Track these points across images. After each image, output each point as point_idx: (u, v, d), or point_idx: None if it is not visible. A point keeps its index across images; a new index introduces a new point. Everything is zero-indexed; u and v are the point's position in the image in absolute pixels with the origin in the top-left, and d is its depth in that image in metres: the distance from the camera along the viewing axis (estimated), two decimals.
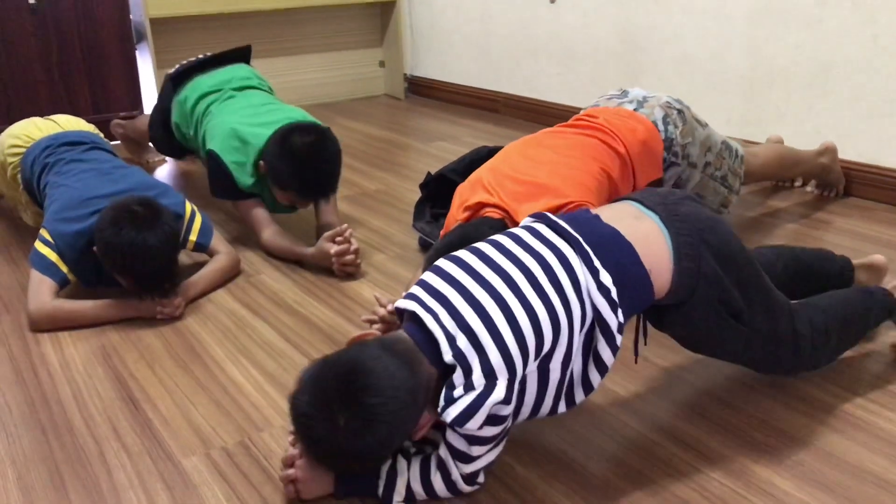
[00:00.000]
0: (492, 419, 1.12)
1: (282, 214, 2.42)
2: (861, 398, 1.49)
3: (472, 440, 1.15)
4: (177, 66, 2.71)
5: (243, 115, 2.34)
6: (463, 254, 1.23)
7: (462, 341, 1.11)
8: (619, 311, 1.19)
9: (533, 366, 1.15)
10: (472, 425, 1.10)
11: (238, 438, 1.43)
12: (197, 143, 2.50)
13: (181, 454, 1.39)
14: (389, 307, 1.67)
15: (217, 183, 2.31)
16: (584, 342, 1.20)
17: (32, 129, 2.28)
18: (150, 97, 3.71)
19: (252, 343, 1.78)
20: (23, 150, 2.24)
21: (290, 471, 1.24)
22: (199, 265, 2.09)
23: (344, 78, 4.42)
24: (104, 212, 1.83)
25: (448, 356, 1.11)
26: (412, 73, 4.48)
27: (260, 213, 2.29)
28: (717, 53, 2.89)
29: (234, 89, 2.51)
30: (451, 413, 1.10)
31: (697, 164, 2.06)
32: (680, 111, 2.04)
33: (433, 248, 1.68)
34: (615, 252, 1.22)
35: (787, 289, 1.48)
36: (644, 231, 1.26)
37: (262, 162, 2.20)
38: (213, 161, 2.28)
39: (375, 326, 1.70)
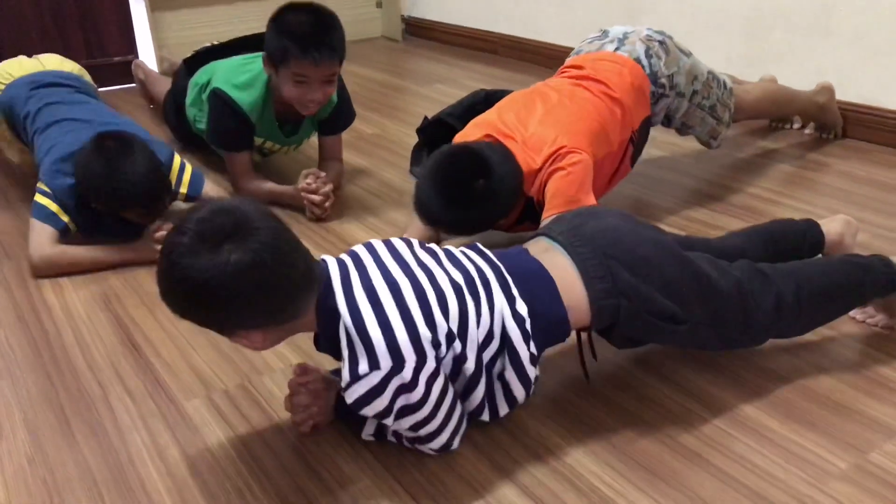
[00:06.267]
0: (402, 410, 1.12)
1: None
2: (858, 342, 1.52)
3: (410, 428, 1.17)
4: (194, 50, 2.64)
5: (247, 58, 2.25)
6: (396, 241, 1.25)
7: (371, 320, 1.08)
8: (532, 343, 1.19)
9: (447, 355, 1.13)
10: (377, 408, 1.10)
11: (238, 381, 1.46)
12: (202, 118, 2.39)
13: (183, 397, 1.43)
14: None
15: (219, 124, 2.20)
16: (487, 366, 1.19)
17: (15, 67, 2.28)
18: (143, 41, 3.67)
19: None
20: (2, 86, 2.24)
21: (299, 398, 1.27)
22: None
23: (340, 19, 4.34)
24: (78, 156, 1.85)
25: (342, 312, 1.09)
26: (410, 14, 4.41)
27: (245, 163, 2.25)
28: None
29: None
30: (355, 392, 1.09)
31: (685, 94, 2.06)
32: (661, 42, 2.03)
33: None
34: (535, 285, 1.22)
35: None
36: (555, 264, 1.25)
37: (264, 55, 2.07)
38: (217, 99, 2.17)
39: None
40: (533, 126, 1.78)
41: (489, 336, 1.17)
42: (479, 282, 1.19)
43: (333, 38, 2.05)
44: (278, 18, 2.05)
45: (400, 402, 1.11)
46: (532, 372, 1.22)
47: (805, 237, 1.56)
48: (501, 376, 1.21)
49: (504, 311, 1.18)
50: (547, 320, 1.21)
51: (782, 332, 1.41)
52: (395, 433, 1.25)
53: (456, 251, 1.28)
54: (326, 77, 2.06)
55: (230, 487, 1.21)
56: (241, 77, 2.17)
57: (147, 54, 3.55)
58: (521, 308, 1.19)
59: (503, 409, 1.25)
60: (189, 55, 2.64)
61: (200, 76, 2.40)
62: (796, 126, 2.67)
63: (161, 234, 1.88)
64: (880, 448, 1.23)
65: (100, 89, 2.44)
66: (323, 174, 2.16)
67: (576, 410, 1.35)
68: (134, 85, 3.21)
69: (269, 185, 2.24)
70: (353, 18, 4.38)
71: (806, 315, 1.39)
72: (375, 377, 1.08)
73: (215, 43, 2.67)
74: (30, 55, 2.40)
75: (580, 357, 1.37)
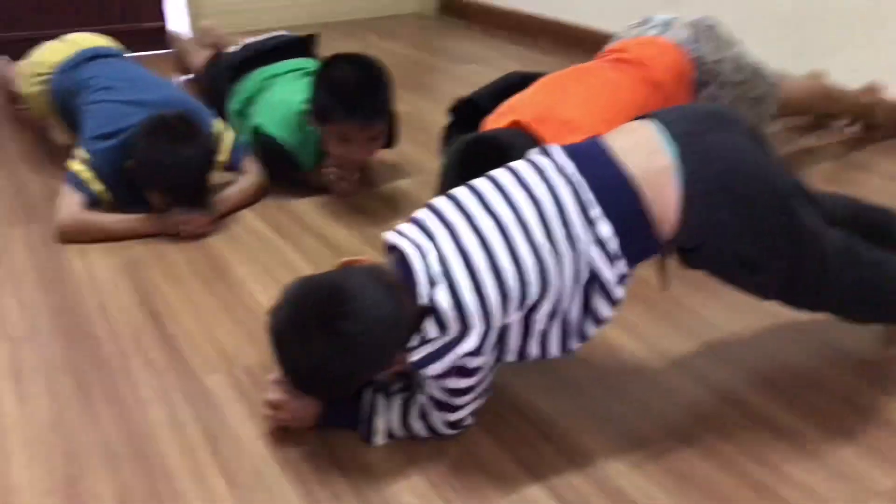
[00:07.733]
0: (460, 370, 1.12)
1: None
2: None
3: (453, 392, 1.15)
4: (236, 48, 2.51)
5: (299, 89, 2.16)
6: (460, 192, 1.18)
7: (442, 287, 1.08)
8: (620, 262, 1.14)
9: (515, 317, 1.13)
10: (436, 370, 1.10)
11: (260, 359, 1.44)
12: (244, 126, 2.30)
13: (204, 371, 1.41)
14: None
15: (266, 161, 2.15)
16: (583, 294, 1.16)
17: (50, 55, 2.27)
18: (174, 6, 3.64)
19: (276, 264, 1.78)
20: (47, 76, 2.24)
21: (272, 395, 1.24)
22: (227, 184, 2.07)
23: None
24: (141, 126, 1.84)
25: (424, 299, 1.09)
26: None
27: None
28: None
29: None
30: (418, 353, 1.10)
31: (729, 83, 1.99)
32: (709, 27, 1.96)
33: None
34: (619, 200, 1.14)
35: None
36: (656, 170, 1.15)
37: (309, 109, 2.03)
38: (266, 142, 2.10)
39: None
40: (569, 111, 1.73)
41: (577, 274, 1.13)
42: (553, 215, 1.13)
43: (379, 98, 2.00)
44: (325, 73, 2.00)
45: (459, 362, 1.11)
46: (620, 292, 1.16)
47: None
48: (591, 302, 1.16)
49: (586, 237, 1.13)
50: (633, 235, 1.15)
51: (839, 314, 1.34)
52: (407, 424, 1.22)
53: (528, 171, 1.18)
54: (371, 136, 2.03)
55: (249, 468, 1.18)
56: (290, 121, 2.10)
57: (181, 21, 3.52)
58: (603, 229, 1.13)
59: (591, 331, 1.19)
60: (232, 51, 2.49)
61: (248, 84, 2.29)
62: (842, 124, 2.60)
63: (190, 227, 1.87)
64: None
65: (131, 55, 2.41)
66: None
67: (605, 410, 1.31)
68: (164, 51, 3.19)
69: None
70: None
71: (868, 310, 1.33)
72: (440, 341, 1.09)
73: (261, 38, 2.51)
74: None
75: (661, 266, 1.29)
